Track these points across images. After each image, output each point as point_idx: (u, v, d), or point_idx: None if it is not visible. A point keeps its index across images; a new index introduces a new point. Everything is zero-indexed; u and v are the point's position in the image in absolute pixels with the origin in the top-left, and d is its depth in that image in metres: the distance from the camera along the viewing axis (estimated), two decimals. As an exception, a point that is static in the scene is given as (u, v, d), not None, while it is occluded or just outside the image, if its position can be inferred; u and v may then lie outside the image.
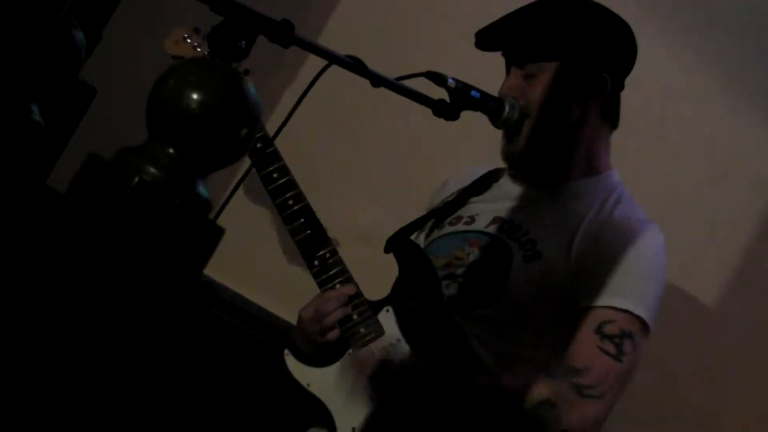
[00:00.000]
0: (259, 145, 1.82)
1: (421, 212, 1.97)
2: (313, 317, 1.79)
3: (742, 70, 2.57)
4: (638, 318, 1.75)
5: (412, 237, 1.94)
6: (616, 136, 1.94)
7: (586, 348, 1.73)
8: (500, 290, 1.78)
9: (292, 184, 1.85)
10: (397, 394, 1.73)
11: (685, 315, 2.46)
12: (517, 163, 1.89)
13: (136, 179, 1.46)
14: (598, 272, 1.76)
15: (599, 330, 1.73)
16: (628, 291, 1.75)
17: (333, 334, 1.76)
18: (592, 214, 1.83)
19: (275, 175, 1.84)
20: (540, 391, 1.72)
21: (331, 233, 1.82)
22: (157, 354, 1.72)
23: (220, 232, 1.50)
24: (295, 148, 1.88)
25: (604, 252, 1.78)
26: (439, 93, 1.62)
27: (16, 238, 1.40)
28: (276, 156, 1.85)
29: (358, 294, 1.81)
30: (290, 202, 1.82)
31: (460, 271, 1.82)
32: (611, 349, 1.72)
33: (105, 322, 1.35)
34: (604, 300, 1.74)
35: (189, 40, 1.97)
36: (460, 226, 1.91)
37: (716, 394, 2.54)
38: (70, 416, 1.28)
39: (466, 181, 2.00)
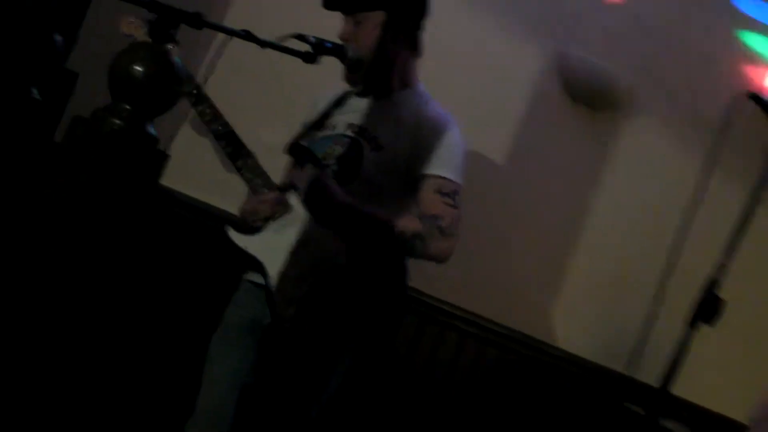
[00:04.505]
0: (194, 91, 2.49)
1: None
2: (254, 212, 2.48)
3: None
4: (457, 182, 2.49)
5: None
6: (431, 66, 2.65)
7: (434, 203, 2.45)
8: (357, 173, 2.47)
9: (218, 116, 2.50)
10: (305, 243, 2.42)
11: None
12: (358, 86, 2.55)
13: (108, 129, 2.16)
14: (426, 154, 2.47)
15: (439, 191, 2.46)
16: (449, 165, 2.48)
17: (266, 222, 2.49)
18: (413, 114, 2.51)
19: (207, 110, 2.50)
20: (414, 226, 2.44)
21: (250, 145, 2.49)
22: (131, 241, 2.44)
23: (165, 157, 2.21)
24: (226, 91, 2.55)
25: (427, 139, 2.48)
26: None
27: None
28: (206, 98, 2.51)
29: (279, 190, 2.49)
30: (219, 128, 2.48)
31: (330, 162, 2.50)
32: (450, 201, 2.46)
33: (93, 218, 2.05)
34: (435, 171, 2.46)
35: (135, 23, 2.63)
36: (327, 132, 2.58)
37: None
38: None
39: (328, 100, 2.66)
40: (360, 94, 2.58)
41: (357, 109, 2.57)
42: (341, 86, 2.60)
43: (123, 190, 2.14)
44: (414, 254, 2.47)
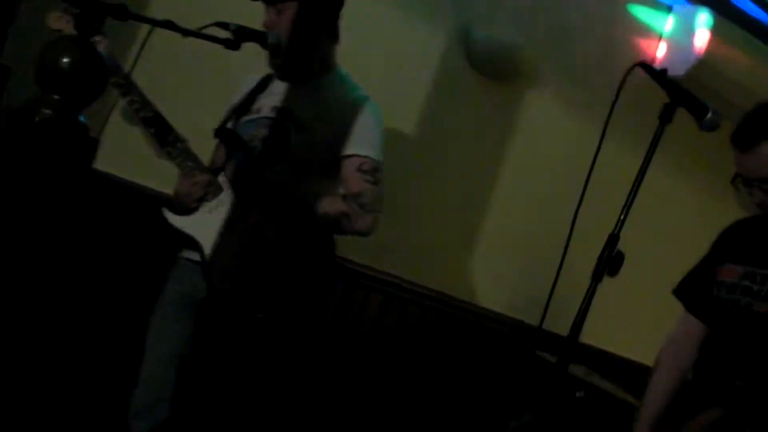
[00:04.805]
0: (123, 81, 2.53)
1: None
2: (187, 194, 2.58)
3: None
4: (377, 159, 2.64)
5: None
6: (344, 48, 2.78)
7: (356, 181, 2.61)
8: (284, 153, 2.60)
9: (147, 103, 2.55)
10: (235, 223, 2.55)
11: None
12: (280, 71, 2.69)
13: (37, 119, 2.24)
14: (347, 134, 2.61)
15: (359, 169, 2.62)
16: (369, 143, 2.64)
17: (199, 203, 2.59)
18: (333, 97, 2.66)
19: (136, 99, 2.54)
20: (338, 206, 2.58)
21: (179, 130, 2.56)
22: (68, 224, 2.52)
23: (96, 142, 2.30)
24: (154, 80, 2.63)
25: (347, 120, 2.62)
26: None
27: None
28: (135, 87, 2.55)
29: (209, 172, 2.60)
30: (149, 115, 2.53)
31: (255, 143, 2.63)
32: (370, 179, 2.62)
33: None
34: (356, 151, 2.61)
35: (62, 18, 2.67)
36: (252, 116, 2.71)
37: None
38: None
39: (251, 85, 2.78)
40: (282, 78, 2.70)
41: (280, 92, 2.69)
42: (265, 71, 2.71)
43: (56, 176, 2.23)
44: (341, 232, 2.62)
